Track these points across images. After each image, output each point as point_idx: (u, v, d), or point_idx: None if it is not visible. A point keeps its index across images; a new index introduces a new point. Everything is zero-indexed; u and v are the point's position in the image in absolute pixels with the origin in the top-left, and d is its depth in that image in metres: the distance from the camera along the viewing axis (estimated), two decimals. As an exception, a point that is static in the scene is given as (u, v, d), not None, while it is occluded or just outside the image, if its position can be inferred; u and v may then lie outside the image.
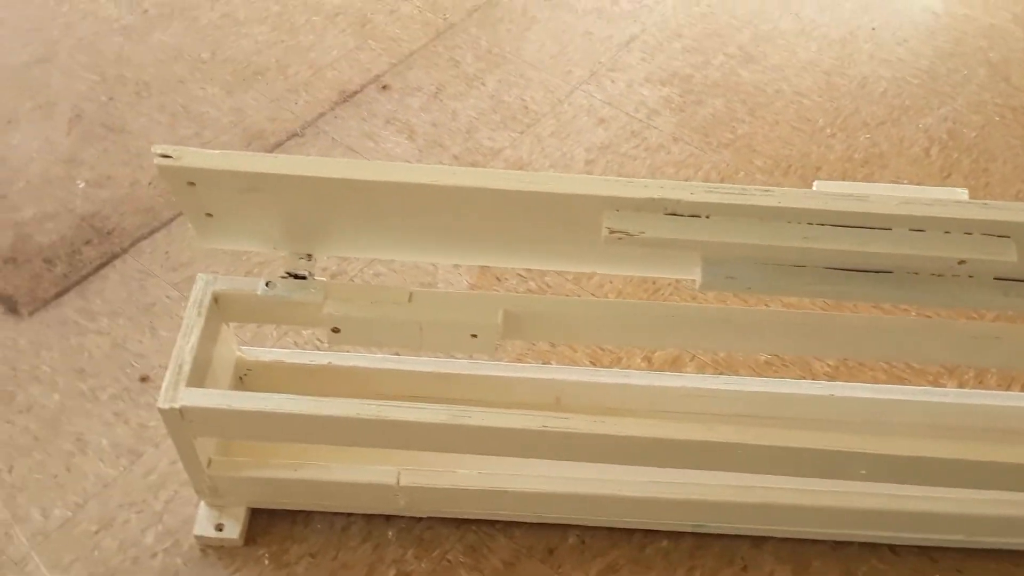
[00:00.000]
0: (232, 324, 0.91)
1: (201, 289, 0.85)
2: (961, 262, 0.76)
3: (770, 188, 0.75)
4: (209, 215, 0.81)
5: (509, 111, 1.36)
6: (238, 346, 0.94)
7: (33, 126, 1.27)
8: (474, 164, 1.28)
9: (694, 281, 0.80)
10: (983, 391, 1.04)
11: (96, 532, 0.89)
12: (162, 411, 0.77)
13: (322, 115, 1.33)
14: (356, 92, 1.37)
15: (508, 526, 0.92)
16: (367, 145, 1.30)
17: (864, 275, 0.80)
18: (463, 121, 1.34)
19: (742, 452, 0.79)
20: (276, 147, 1.28)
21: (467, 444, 0.80)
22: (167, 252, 1.14)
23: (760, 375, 1.06)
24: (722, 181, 1.28)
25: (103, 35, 1.42)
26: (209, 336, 0.85)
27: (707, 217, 0.75)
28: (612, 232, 0.75)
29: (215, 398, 0.78)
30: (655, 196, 0.74)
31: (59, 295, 1.08)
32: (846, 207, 0.75)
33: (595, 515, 0.92)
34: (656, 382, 0.96)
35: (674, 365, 1.07)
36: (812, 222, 0.76)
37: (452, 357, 1.00)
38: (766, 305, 1.08)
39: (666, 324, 0.87)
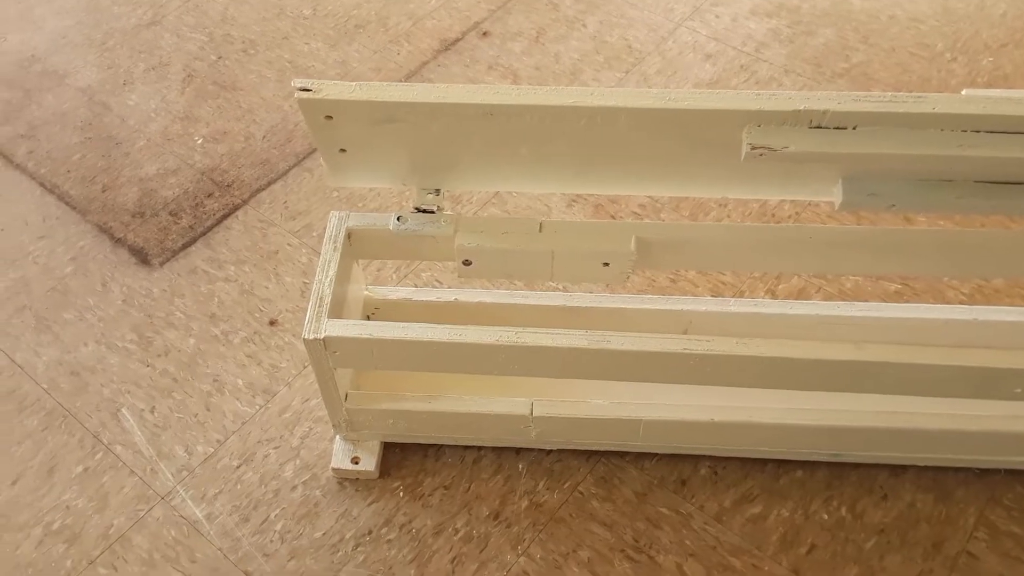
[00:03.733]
0: (361, 263, 0.93)
1: (335, 226, 0.87)
2: (1123, 167, 0.72)
3: (922, 94, 0.72)
4: (343, 150, 0.81)
5: (613, 51, 1.34)
6: (366, 285, 0.96)
7: (148, 87, 1.31)
8: (580, 105, 1.27)
9: (831, 203, 0.78)
10: None
11: (238, 467, 0.92)
12: (307, 342, 0.79)
13: (425, 64, 1.34)
14: (457, 40, 1.37)
15: (638, 457, 0.92)
16: (472, 91, 1.29)
17: (1014, 187, 0.77)
18: (566, 63, 1.33)
19: (891, 372, 0.76)
20: (383, 96, 1.29)
21: (606, 370, 0.80)
22: (285, 202, 1.16)
23: (897, 296, 1.03)
24: (838, 111, 1.24)
25: (208, -4, 1.44)
26: (343, 273, 0.87)
27: (854, 128, 0.72)
28: (754, 148, 0.72)
29: (357, 328, 0.80)
30: (800, 108, 0.71)
31: (186, 246, 1.11)
32: (1006, 111, 0.71)
33: (727, 445, 0.90)
34: (787, 310, 0.94)
35: (799, 297, 1.04)
36: (968, 128, 0.72)
37: (577, 291, 1.00)
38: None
39: (799, 247, 0.85)
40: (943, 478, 0.89)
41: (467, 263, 0.86)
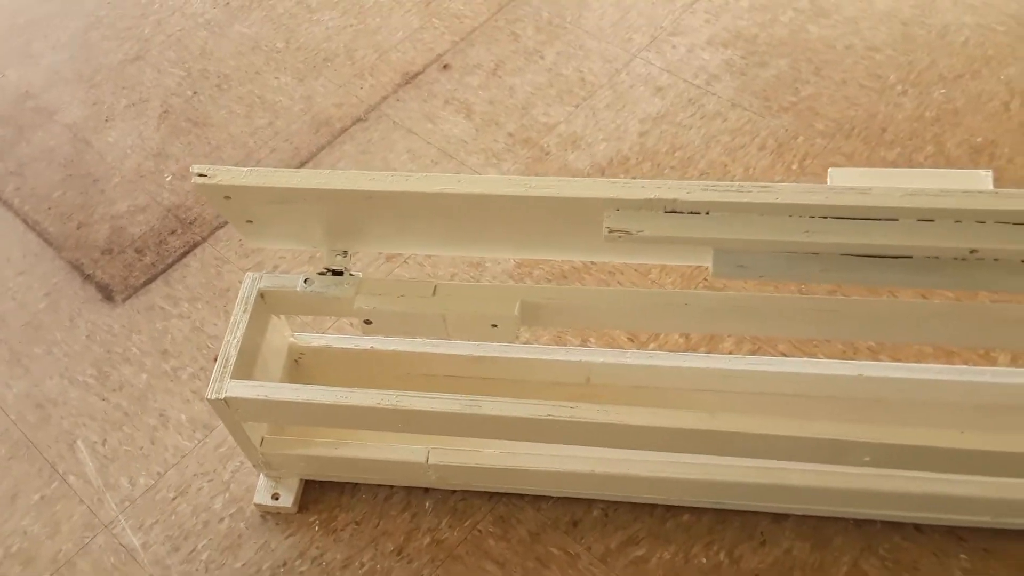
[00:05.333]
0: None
1: (248, 287, 0.94)
2: (973, 251, 0.75)
3: (769, 184, 0.75)
4: (250, 221, 0.89)
5: (566, 84, 1.38)
6: (291, 333, 1.03)
7: (127, 123, 1.40)
8: (528, 140, 1.32)
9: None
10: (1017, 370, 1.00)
11: (174, 499, 1.01)
12: (209, 401, 0.87)
13: (385, 98, 1.40)
14: (418, 73, 1.43)
15: (536, 499, 0.98)
16: (426, 127, 1.35)
17: (880, 260, 0.80)
18: (520, 97, 1.37)
19: (745, 440, 0.81)
20: (341, 132, 1.36)
21: (480, 431, 0.86)
22: (240, 240, 1.24)
23: (799, 350, 1.06)
24: (779, 147, 1.26)
25: (189, 30, 1.52)
26: (258, 328, 0.94)
27: (707, 214, 0.77)
28: (612, 231, 0.77)
29: (255, 389, 0.87)
30: (652, 196, 0.76)
31: (147, 283, 1.20)
32: (848, 201, 0.74)
33: (617, 491, 0.96)
34: (681, 363, 0.98)
35: (711, 342, 1.09)
36: (814, 216, 0.76)
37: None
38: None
39: (675, 312, 0.89)
40: (822, 526, 0.93)
41: (368, 322, 0.93)
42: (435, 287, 0.91)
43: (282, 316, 1.00)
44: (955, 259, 0.79)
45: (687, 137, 1.29)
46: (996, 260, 0.79)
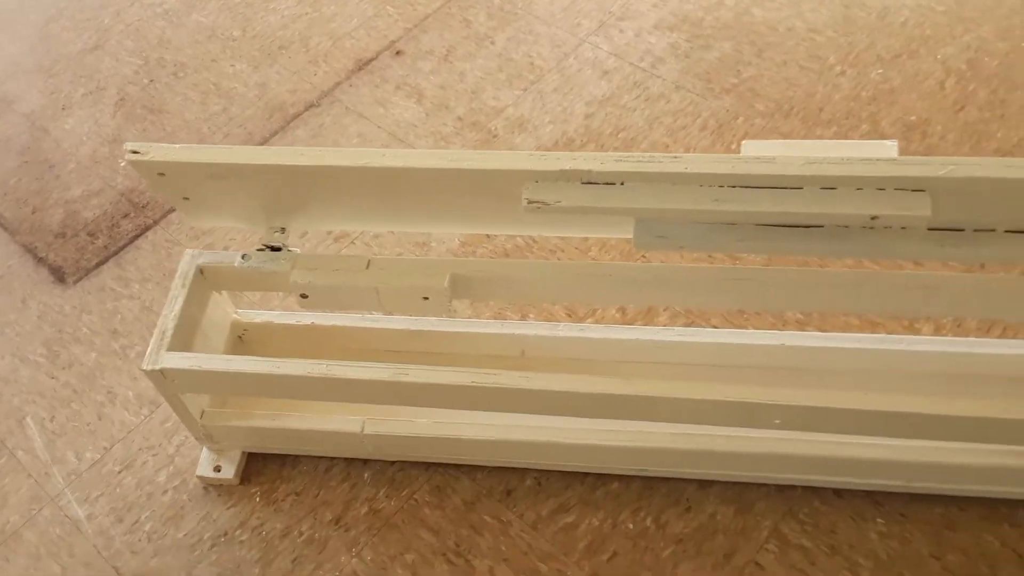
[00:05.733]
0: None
1: (187, 263, 0.97)
2: (874, 217, 0.77)
3: (679, 155, 0.78)
4: (186, 199, 0.91)
5: (516, 69, 1.41)
6: (235, 310, 1.06)
7: (84, 111, 1.42)
8: (476, 124, 1.34)
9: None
10: (938, 337, 1.02)
11: (119, 472, 1.04)
12: (145, 372, 0.90)
13: (338, 84, 1.42)
14: (371, 60, 1.45)
15: (472, 469, 1.00)
16: (377, 111, 1.37)
17: (794, 230, 0.82)
18: (470, 82, 1.40)
19: (661, 404, 0.83)
20: (294, 117, 1.38)
21: (408, 399, 0.89)
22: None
23: (730, 322, 1.09)
24: (719, 128, 1.29)
25: (148, 20, 1.55)
26: (197, 303, 0.97)
27: (621, 184, 0.79)
28: (531, 202, 0.80)
29: (189, 360, 0.90)
30: (567, 168, 0.78)
31: (99, 264, 1.23)
32: (753, 170, 0.77)
33: (549, 460, 0.99)
34: (611, 335, 1.01)
35: (648, 315, 1.11)
36: (723, 185, 0.78)
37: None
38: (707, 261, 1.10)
39: (602, 283, 0.92)
40: (746, 492, 0.96)
41: (304, 296, 0.95)
42: (369, 261, 0.93)
43: (224, 293, 1.03)
44: (864, 227, 0.82)
45: (631, 119, 1.32)
46: (903, 228, 0.83)
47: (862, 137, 1.24)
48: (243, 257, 0.95)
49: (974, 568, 0.89)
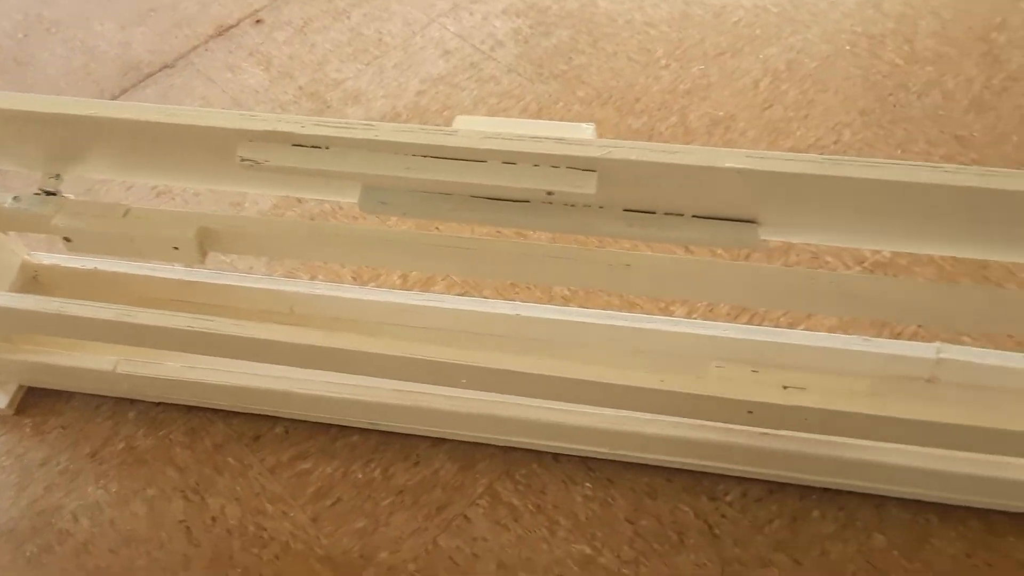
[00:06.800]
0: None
1: (-43, 203, 1.03)
2: (549, 193, 0.82)
3: (374, 122, 0.83)
4: (-36, 140, 0.98)
5: (363, 44, 1.46)
6: (28, 252, 1.13)
7: (-46, 60, 1.49)
8: (315, 94, 1.40)
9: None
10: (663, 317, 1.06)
11: (-91, 396, 1.11)
12: (-96, 300, 0.97)
13: (195, 48, 1.48)
14: (232, 26, 1.51)
15: (229, 415, 1.07)
16: (225, 76, 1.43)
17: (504, 203, 0.88)
18: (319, 53, 1.45)
19: (349, 357, 0.89)
20: (147, 77, 1.44)
21: (136, 340, 0.95)
22: (32, 170, 1.33)
23: (501, 294, 1.14)
24: (540, 111, 1.34)
25: (30, -23, 1.62)
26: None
27: (327, 148, 0.85)
28: (243, 160, 0.86)
29: (-57, 292, 0.97)
30: (272, 128, 0.84)
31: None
32: (435, 141, 0.82)
33: (295, 410, 1.04)
34: (365, 296, 1.07)
35: (427, 283, 1.17)
36: (414, 154, 0.83)
37: (205, 267, 1.14)
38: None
39: (354, 244, 0.97)
40: (473, 451, 1.01)
41: (68, 240, 1.01)
42: (127, 210, 0.99)
43: (11, 233, 1.09)
44: (567, 205, 0.87)
45: (459, 98, 1.37)
46: (601, 208, 0.88)
47: (668, 128, 1.29)
48: (14, 199, 1.02)
49: (664, 534, 0.94)
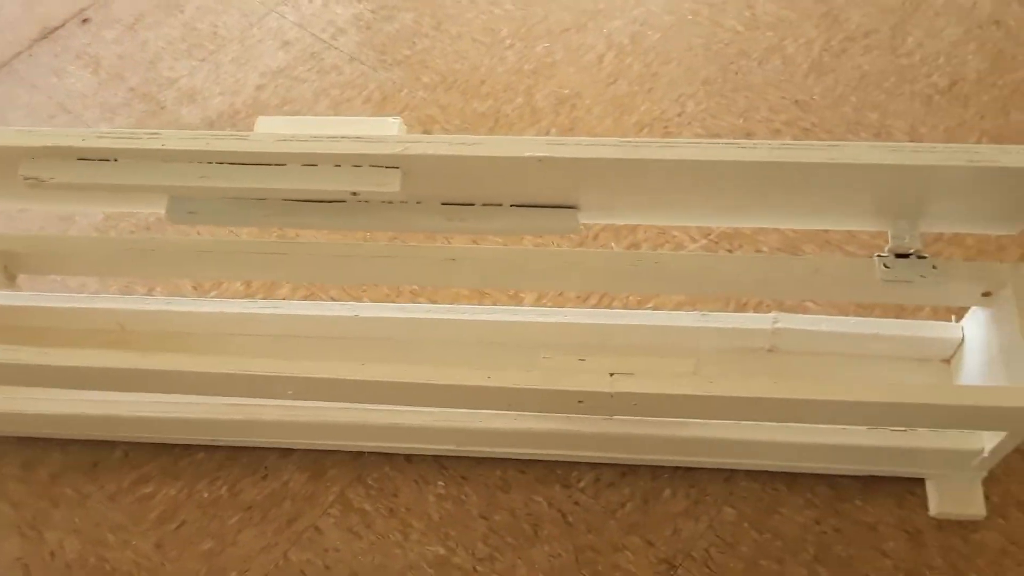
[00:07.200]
0: None
1: None
2: (354, 193, 0.79)
3: (159, 131, 0.79)
4: None
5: (198, 39, 1.40)
6: None
7: None
8: (147, 95, 1.33)
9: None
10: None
11: None
12: None
13: (19, 54, 1.39)
14: (57, 27, 1.42)
15: (66, 442, 1.01)
16: (51, 81, 1.35)
17: (319, 205, 0.84)
18: (151, 52, 1.38)
19: (168, 377, 0.85)
20: (-35, 88, 1.36)
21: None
22: None
23: (348, 294, 1.11)
24: (383, 100, 1.30)
25: None
26: None
27: (115, 160, 0.80)
28: (26, 178, 0.80)
29: None
30: (53, 144, 0.78)
31: None
32: (227, 147, 0.78)
33: (137, 432, 1.00)
34: (200, 308, 1.02)
35: (271, 289, 1.13)
36: (209, 161, 0.79)
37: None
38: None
39: (168, 257, 0.93)
40: (323, 459, 0.99)
41: None
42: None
43: None
44: (384, 203, 0.84)
45: (299, 91, 1.32)
46: (419, 203, 0.85)
47: (514, 110, 1.27)
48: None
49: (518, 527, 0.93)
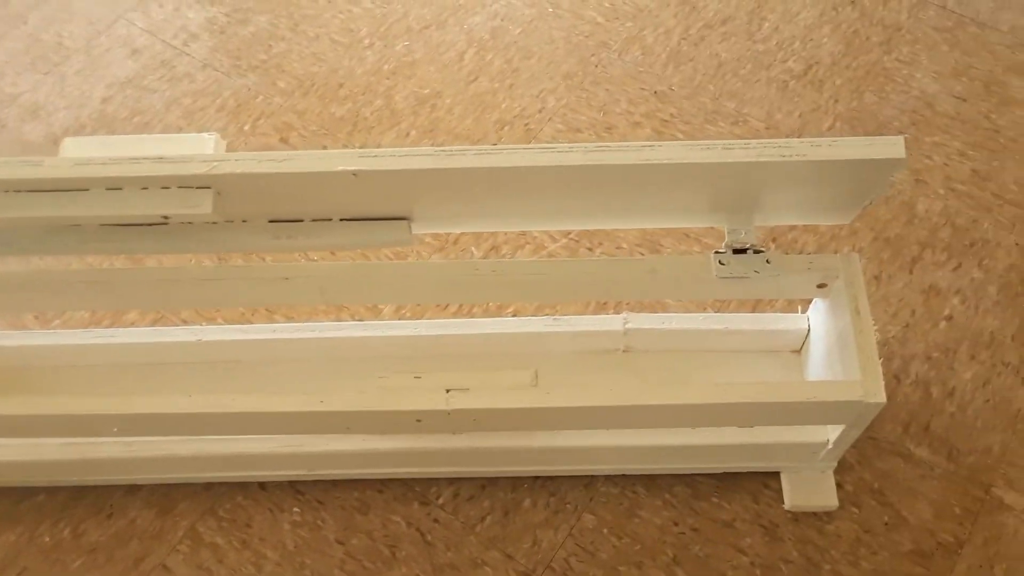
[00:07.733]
0: None
1: None
2: (165, 217, 0.75)
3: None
4: None
5: (42, 50, 1.32)
6: None
7: None
8: (-14, 113, 1.26)
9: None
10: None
11: None
12: None
13: None
14: None
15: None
16: None
17: (137, 228, 0.80)
18: (-9, 66, 1.31)
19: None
20: None
21: None
22: None
23: (202, 316, 1.06)
24: (238, 108, 1.25)
25: None
26: None
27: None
28: None
29: None
30: None
31: None
32: (23, 174, 0.73)
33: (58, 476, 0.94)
34: (36, 341, 0.97)
35: (116, 316, 1.07)
36: (5, 190, 0.74)
37: None
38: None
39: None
40: (172, 493, 0.94)
41: None
42: None
43: None
44: (209, 223, 0.80)
45: (149, 101, 1.26)
46: (244, 222, 0.82)
47: (374, 113, 1.23)
48: None
49: (375, 550, 0.90)
